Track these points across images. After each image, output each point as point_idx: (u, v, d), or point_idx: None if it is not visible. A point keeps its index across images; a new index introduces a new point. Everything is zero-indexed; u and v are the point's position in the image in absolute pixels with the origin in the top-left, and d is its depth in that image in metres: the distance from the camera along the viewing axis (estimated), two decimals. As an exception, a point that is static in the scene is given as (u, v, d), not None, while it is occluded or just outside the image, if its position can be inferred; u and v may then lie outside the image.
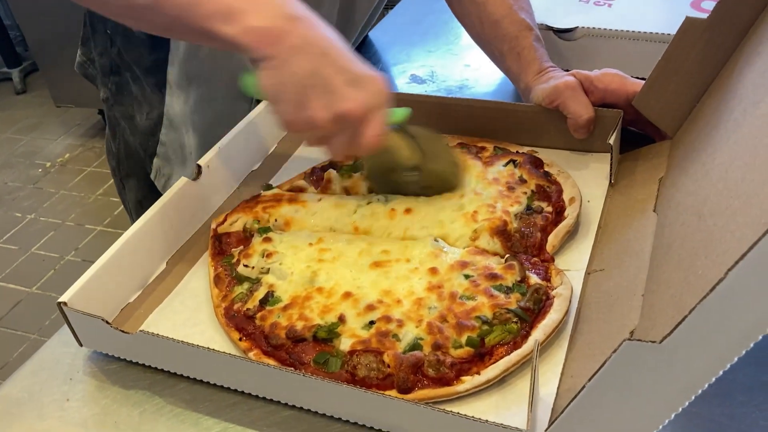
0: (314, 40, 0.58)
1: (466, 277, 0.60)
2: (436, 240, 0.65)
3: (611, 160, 0.69)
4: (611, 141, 0.68)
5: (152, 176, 0.94)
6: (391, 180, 0.70)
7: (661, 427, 0.38)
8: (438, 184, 0.69)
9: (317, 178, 0.76)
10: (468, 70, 0.87)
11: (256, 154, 0.83)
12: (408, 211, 0.68)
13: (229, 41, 0.58)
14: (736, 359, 0.33)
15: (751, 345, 0.32)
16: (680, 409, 0.36)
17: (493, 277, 0.60)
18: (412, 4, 1.14)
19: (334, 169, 0.76)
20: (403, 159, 0.68)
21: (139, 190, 0.97)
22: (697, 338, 0.33)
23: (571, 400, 0.39)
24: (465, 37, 1.01)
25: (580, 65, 0.77)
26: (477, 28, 0.85)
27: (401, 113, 0.67)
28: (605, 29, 0.85)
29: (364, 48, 1.05)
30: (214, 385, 0.57)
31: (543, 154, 0.75)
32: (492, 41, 0.83)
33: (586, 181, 0.72)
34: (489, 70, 0.92)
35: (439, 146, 0.71)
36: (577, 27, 0.87)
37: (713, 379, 0.34)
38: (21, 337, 2.03)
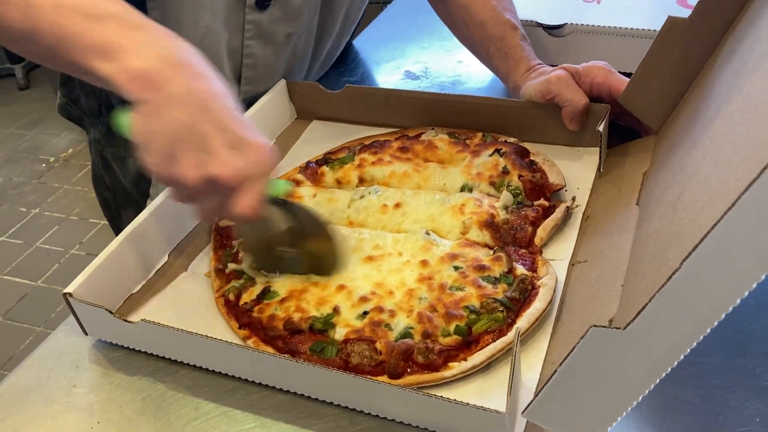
0: (197, 92, 0.54)
1: (456, 268, 0.63)
2: (427, 233, 0.67)
3: (600, 148, 0.72)
4: (600, 128, 0.70)
5: None
6: (267, 254, 0.66)
7: (630, 408, 0.41)
8: (314, 265, 0.65)
9: (311, 171, 0.79)
10: (461, 66, 0.89)
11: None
12: (398, 206, 0.70)
13: (105, 79, 0.54)
14: (695, 344, 0.35)
15: (708, 331, 0.35)
16: (646, 392, 0.39)
17: (481, 268, 0.62)
18: (408, 1, 1.16)
19: (327, 164, 0.79)
20: (278, 234, 0.64)
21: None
22: (657, 324, 0.35)
23: (544, 385, 0.41)
24: (459, 34, 1.03)
25: (568, 60, 0.79)
26: (463, 30, 0.87)
27: (282, 186, 0.62)
28: (594, 26, 0.87)
29: (359, 44, 1.07)
30: (214, 371, 0.59)
31: (531, 146, 0.77)
32: (479, 42, 0.85)
33: (575, 172, 0.74)
34: (481, 67, 0.94)
35: (320, 226, 0.65)
36: (566, 24, 0.89)
37: (675, 363, 0.36)
38: (27, 330, 2.06)
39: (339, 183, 0.77)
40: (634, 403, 0.40)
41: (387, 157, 0.77)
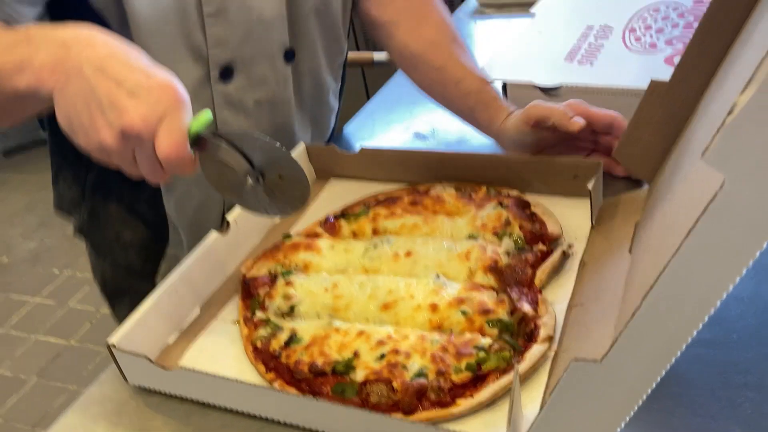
0: (91, 58, 0.55)
1: (463, 313, 0.68)
2: (437, 276, 0.73)
3: (591, 204, 0.78)
4: (590, 186, 0.76)
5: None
6: (236, 194, 0.67)
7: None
8: (285, 196, 0.65)
9: (330, 225, 0.86)
10: (465, 126, 0.96)
11: (258, 221, 0.93)
12: (408, 254, 0.77)
13: (29, 92, 0.57)
14: (660, 377, 0.41)
15: (673, 360, 0.40)
16: (627, 419, 0.44)
17: (486, 312, 0.68)
18: None
19: (344, 218, 0.85)
20: (239, 171, 0.63)
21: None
22: (628, 356, 0.41)
23: (537, 417, 0.46)
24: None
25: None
26: (441, 90, 0.95)
27: (204, 117, 0.60)
28: (587, 86, 0.95)
29: (372, 107, 1.15)
30: (243, 413, 0.65)
31: (531, 197, 0.83)
32: (459, 99, 0.92)
33: (573, 221, 0.80)
34: (486, 126, 1.02)
35: (281, 155, 0.63)
36: (561, 85, 0.96)
37: (648, 391, 0.42)
38: (60, 389, 2.12)
39: (355, 235, 0.84)
40: (619, 428, 0.45)
41: (399, 211, 0.84)
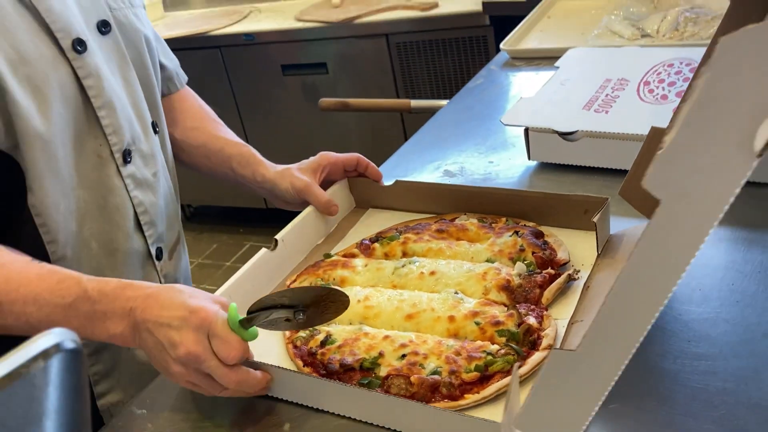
0: (147, 318, 0.71)
1: (477, 324, 0.78)
2: (456, 293, 0.83)
3: (597, 235, 0.87)
4: (595, 219, 0.86)
5: None
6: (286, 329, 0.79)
7: (592, 415, 0.55)
8: (327, 313, 0.76)
9: (365, 247, 0.97)
10: (491, 166, 1.07)
11: (319, 232, 1.05)
12: (432, 273, 0.87)
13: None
14: (624, 365, 0.50)
15: (634, 350, 0.49)
16: (600, 402, 0.53)
17: (497, 323, 0.78)
18: (450, 112, 1.39)
19: (377, 241, 0.97)
20: (287, 321, 0.75)
21: None
22: (597, 346, 0.51)
23: (525, 399, 0.56)
24: (490, 140, 1.23)
25: (579, 161, 0.96)
26: (206, 162, 1.09)
27: (232, 310, 0.72)
28: (602, 132, 1.05)
29: (408, 148, 1.27)
30: (284, 400, 0.76)
31: (546, 228, 0.93)
32: (221, 164, 1.07)
33: (581, 251, 0.89)
34: (509, 165, 1.13)
35: (311, 294, 0.75)
36: (578, 130, 1.06)
37: (616, 377, 0.51)
38: None
39: (386, 256, 0.95)
40: (594, 411, 0.54)
41: (426, 236, 0.95)
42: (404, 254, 0.94)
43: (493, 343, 0.76)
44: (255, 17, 2.67)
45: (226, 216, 3.41)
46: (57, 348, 0.36)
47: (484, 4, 2.14)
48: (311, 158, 1.06)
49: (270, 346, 0.84)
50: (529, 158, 1.12)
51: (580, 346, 0.52)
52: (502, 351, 0.74)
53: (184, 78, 1.15)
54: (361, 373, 0.75)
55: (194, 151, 1.10)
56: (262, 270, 0.93)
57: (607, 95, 1.14)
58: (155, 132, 1.00)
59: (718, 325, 0.76)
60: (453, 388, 0.71)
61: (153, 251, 0.97)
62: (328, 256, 0.97)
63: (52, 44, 0.84)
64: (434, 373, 0.73)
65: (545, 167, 1.12)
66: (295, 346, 0.82)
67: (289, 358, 0.81)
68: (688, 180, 0.45)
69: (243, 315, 0.73)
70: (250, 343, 0.74)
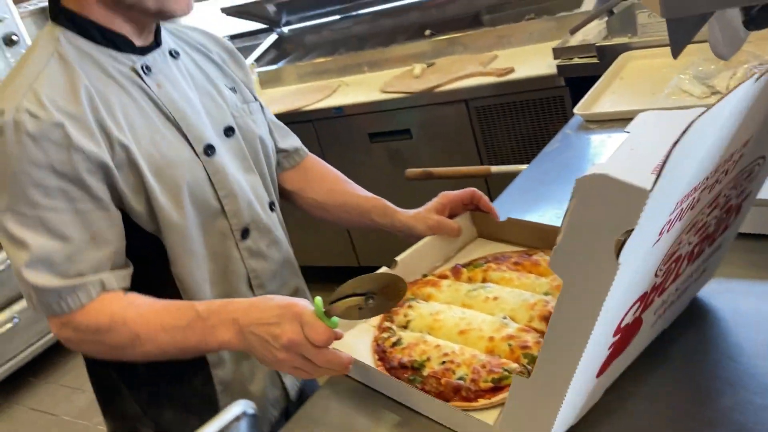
0: (251, 322, 0.91)
1: (509, 345, 0.95)
2: (504, 317, 1.00)
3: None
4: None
5: None
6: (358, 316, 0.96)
7: (553, 423, 0.71)
8: (392, 297, 0.95)
9: (456, 270, 1.17)
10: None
11: (441, 256, 1.26)
12: (495, 298, 1.05)
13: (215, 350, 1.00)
14: (567, 391, 0.66)
15: (573, 377, 0.65)
16: (557, 415, 0.70)
17: (525, 347, 0.93)
18: (530, 176, 1.53)
19: (466, 267, 1.16)
20: (362, 309, 0.92)
21: None
22: (546, 370, 0.68)
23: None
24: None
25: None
26: (347, 216, 1.30)
27: (317, 302, 0.90)
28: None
29: (496, 205, 1.34)
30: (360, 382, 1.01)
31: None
32: (361, 218, 1.27)
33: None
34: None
35: (377, 282, 0.93)
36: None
37: (564, 397, 0.67)
38: None
39: (470, 279, 1.14)
40: (554, 421, 0.71)
41: (504, 267, 1.12)
42: (484, 280, 1.12)
43: (516, 362, 0.92)
44: (343, 90, 2.84)
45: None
46: (244, 414, 0.62)
47: (558, 67, 2.16)
48: (434, 199, 1.26)
49: (363, 342, 1.10)
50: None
51: (532, 374, 0.70)
52: (518, 369, 0.90)
53: (305, 150, 1.37)
54: (412, 371, 0.97)
55: (335, 210, 1.32)
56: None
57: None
58: (272, 210, 1.22)
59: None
60: (470, 392, 0.90)
61: None
62: (425, 276, 1.19)
63: (188, 150, 1.06)
64: (460, 378, 0.92)
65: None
66: (377, 344, 1.06)
67: (372, 352, 1.06)
68: (575, 271, 0.61)
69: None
70: (346, 332, 0.98)
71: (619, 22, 2.04)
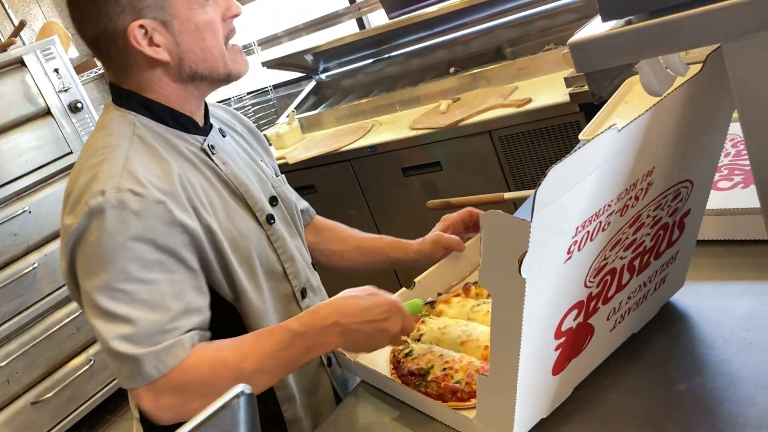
0: (351, 321, 1.02)
1: (502, 351, 1.08)
2: (499, 329, 1.14)
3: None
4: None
5: None
6: None
7: (514, 421, 0.86)
8: None
9: (466, 287, 1.31)
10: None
11: (443, 281, 1.41)
12: (492, 312, 1.19)
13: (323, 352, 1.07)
14: (517, 386, 0.81)
15: (518, 374, 0.80)
16: (515, 405, 0.84)
17: (515, 351, 1.07)
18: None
19: (475, 285, 1.30)
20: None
21: None
22: (494, 373, 0.83)
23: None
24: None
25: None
26: (363, 259, 1.45)
27: (419, 304, 1.15)
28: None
29: None
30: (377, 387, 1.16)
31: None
32: (377, 255, 1.43)
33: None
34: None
35: None
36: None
37: (515, 391, 0.81)
38: None
39: (477, 296, 1.28)
40: (513, 412, 0.85)
41: (503, 284, 1.26)
42: (488, 296, 1.26)
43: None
44: (376, 129, 3.03)
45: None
46: (242, 393, 0.74)
47: (571, 95, 2.31)
48: (437, 224, 1.42)
49: (382, 356, 1.25)
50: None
51: (489, 373, 0.85)
52: (501, 371, 1.04)
53: (312, 209, 1.50)
54: (419, 377, 1.12)
55: (352, 255, 1.46)
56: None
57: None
58: (315, 269, 1.34)
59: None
60: (465, 393, 1.04)
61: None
62: (439, 294, 1.34)
63: (254, 221, 1.16)
64: (457, 382, 1.06)
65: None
66: (394, 355, 1.21)
67: (389, 362, 1.21)
68: (496, 285, 0.76)
69: None
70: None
71: (625, 49, 2.15)
